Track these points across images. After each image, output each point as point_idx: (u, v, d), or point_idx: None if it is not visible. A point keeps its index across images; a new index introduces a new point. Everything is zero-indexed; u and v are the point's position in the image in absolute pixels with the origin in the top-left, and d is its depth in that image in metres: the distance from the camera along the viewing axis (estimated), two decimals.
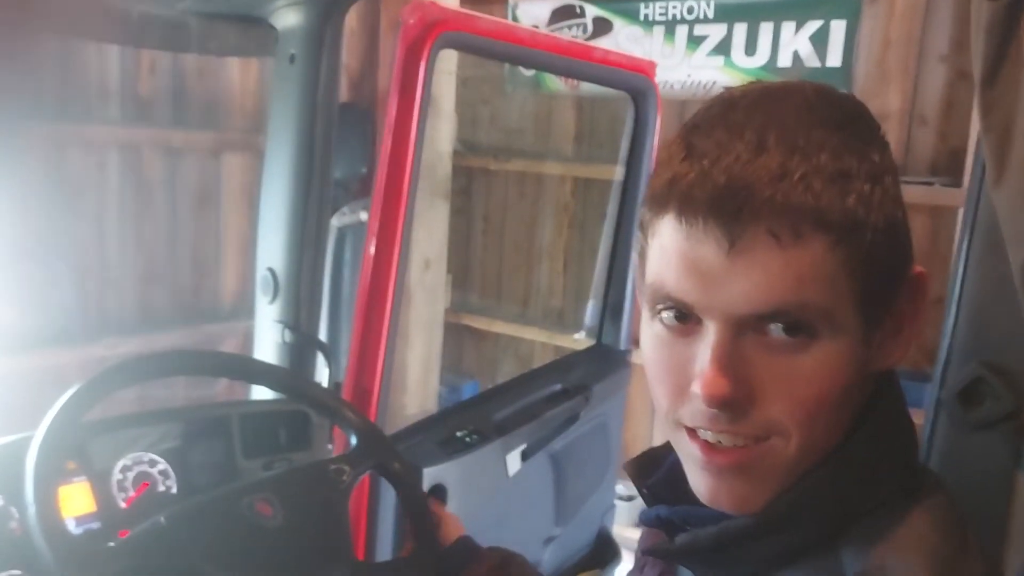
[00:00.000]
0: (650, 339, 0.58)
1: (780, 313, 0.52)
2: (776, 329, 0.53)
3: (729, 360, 0.53)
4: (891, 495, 0.56)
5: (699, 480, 0.58)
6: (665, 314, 0.56)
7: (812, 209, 0.50)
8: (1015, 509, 0.79)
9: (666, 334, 0.57)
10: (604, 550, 1.81)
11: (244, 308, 2.78)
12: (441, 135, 2.74)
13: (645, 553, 0.69)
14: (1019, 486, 0.79)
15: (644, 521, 0.65)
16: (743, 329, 0.53)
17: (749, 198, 0.50)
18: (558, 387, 1.66)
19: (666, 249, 0.55)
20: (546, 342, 3.19)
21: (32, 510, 0.77)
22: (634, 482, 0.67)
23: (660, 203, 0.55)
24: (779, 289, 0.51)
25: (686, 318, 0.55)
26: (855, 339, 0.54)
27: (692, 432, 0.57)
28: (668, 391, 0.57)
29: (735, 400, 0.53)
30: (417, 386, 2.73)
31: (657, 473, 0.67)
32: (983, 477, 0.77)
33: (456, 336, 3.35)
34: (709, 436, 0.56)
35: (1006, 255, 0.64)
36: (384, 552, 1.24)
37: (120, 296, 2.60)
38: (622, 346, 1.88)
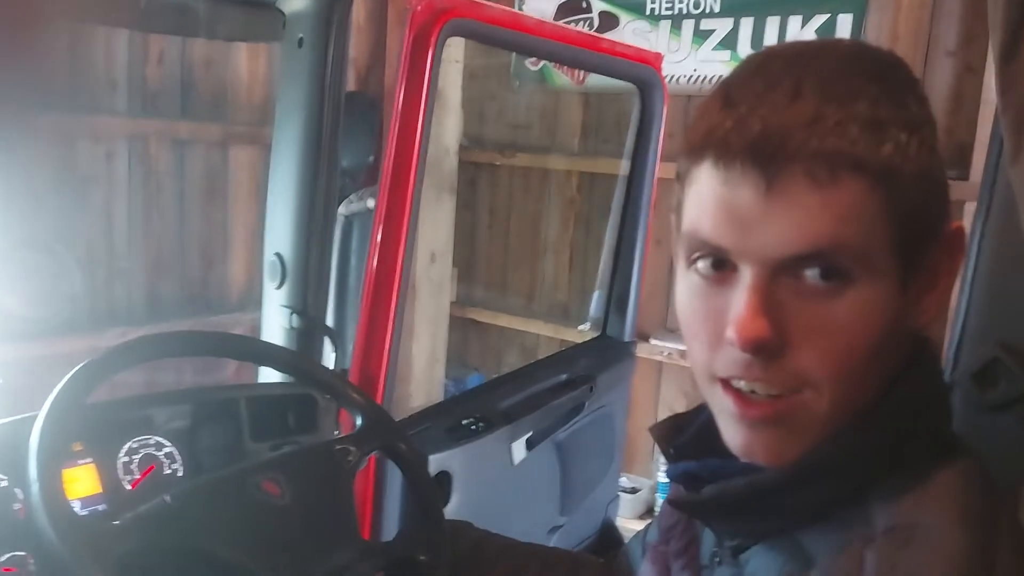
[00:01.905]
0: (685, 291, 0.59)
1: (817, 255, 0.52)
2: (812, 274, 0.52)
3: (764, 304, 0.53)
4: (923, 455, 0.56)
5: (734, 433, 0.58)
6: (701, 263, 0.56)
7: (848, 154, 0.51)
8: None
9: (701, 284, 0.57)
10: (608, 541, 1.81)
11: (251, 299, 2.79)
12: (448, 129, 2.74)
13: (669, 503, 0.68)
14: None
15: (671, 476, 0.65)
16: (779, 275, 0.53)
17: (784, 143, 0.51)
18: (563, 377, 1.65)
19: (702, 196, 0.55)
20: (551, 336, 3.19)
21: (36, 489, 0.75)
22: (659, 443, 0.67)
23: (697, 152, 0.55)
24: (816, 229, 0.51)
25: (722, 265, 0.55)
26: (891, 287, 0.53)
27: (726, 384, 0.57)
28: (703, 342, 0.57)
29: (769, 344, 0.53)
30: (423, 378, 2.73)
31: (685, 433, 0.67)
32: (997, 457, 0.77)
33: (461, 329, 3.34)
34: (743, 385, 0.56)
35: (1021, 235, 0.63)
36: (390, 532, 1.24)
37: (128, 286, 2.61)
38: (627, 337, 1.88)
